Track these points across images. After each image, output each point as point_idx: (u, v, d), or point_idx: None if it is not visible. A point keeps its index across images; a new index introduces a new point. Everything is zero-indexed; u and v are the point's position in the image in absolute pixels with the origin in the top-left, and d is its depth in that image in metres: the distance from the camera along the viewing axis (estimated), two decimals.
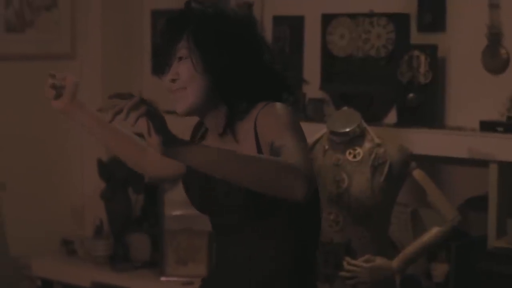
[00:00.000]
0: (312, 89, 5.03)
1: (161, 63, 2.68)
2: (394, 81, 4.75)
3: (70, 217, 5.96)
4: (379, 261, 3.99)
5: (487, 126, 4.44)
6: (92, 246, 5.53)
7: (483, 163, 4.41)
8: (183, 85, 2.62)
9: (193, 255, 5.08)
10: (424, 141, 4.48)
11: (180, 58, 2.63)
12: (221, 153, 2.36)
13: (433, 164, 4.53)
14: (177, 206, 5.12)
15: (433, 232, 4.11)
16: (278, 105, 2.57)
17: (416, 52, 4.70)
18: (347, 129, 4.05)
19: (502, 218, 4.39)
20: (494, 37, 4.59)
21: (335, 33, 4.95)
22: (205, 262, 5.11)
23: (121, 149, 3.01)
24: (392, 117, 4.83)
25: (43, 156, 5.81)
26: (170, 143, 2.33)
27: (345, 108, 4.18)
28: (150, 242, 5.39)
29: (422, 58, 4.67)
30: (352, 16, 4.93)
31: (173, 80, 2.63)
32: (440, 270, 4.50)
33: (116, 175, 5.49)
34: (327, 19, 4.98)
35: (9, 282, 5.62)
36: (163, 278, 5.17)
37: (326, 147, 4.09)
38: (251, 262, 2.65)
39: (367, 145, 4.06)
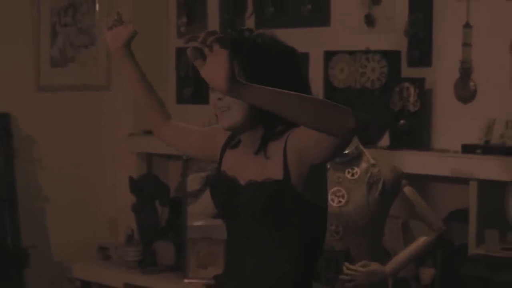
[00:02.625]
0: None
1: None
2: (387, 109, 4.75)
3: (106, 227, 5.98)
4: (374, 266, 3.97)
5: (468, 149, 4.43)
6: (124, 252, 5.52)
7: (464, 181, 4.41)
8: (227, 104, 2.55)
9: (211, 260, 5.07)
10: (413, 162, 4.48)
11: None
12: (276, 91, 2.27)
13: (421, 182, 4.50)
14: (198, 217, 5.13)
15: (421, 241, 4.10)
16: None
17: (406, 84, 4.70)
18: (346, 151, 4.02)
19: (481, 229, 4.39)
20: (465, 71, 4.59)
21: (336, 68, 4.95)
22: (222, 266, 5.08)
23: (147, 106, 2.96)
24: (385, 140, 4.82)
25: (82, 174, 5.83)
26: (233, 80, 2.21)
27: None
28: (174, 249, 5.37)
29: (412, 89, 4.67)
30: (351, 53, 4.93)
31: (220, 99, 2.57)
32: (427, 274, 4.49)
33: (145, 190, 5.50)
34: (329, 56, 4.99)
35: (53, 283, 5.66)
36: (185, 280, 5.16)
37: (328, 166, 4.06)
38: (261, 270, 2.59)
39: (363, 165, 4.04)
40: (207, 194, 5.01)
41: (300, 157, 2.48)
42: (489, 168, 4.26)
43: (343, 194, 3.99)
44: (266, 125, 2.58)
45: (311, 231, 2.59)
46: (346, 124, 2.27)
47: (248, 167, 2.61)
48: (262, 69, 2.51)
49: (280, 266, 2.57)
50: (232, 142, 2.74)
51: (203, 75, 2.25)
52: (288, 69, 2.56)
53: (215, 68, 2.22)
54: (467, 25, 4.59)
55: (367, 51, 4.89)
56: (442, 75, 4.74)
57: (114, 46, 2.92)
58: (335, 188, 3.99)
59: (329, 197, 3.97)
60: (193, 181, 5.18)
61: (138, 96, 2.97)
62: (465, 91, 4.62)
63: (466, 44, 4.60)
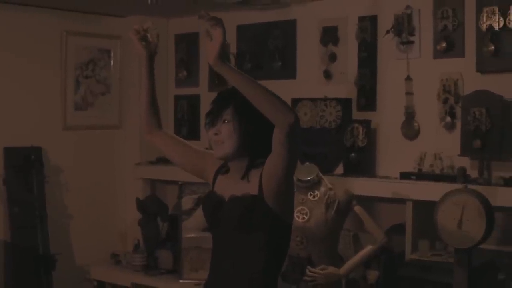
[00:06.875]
0: None
1: (210, 121, 2.65)
2: (341, 145, 4.75)
3: (117, 238, 5.94)
4: (331, 269, 3.96)
5: (405, 176, 4.44)
6: (132, 258, 5.50)
7: (401, 201, 4.42)
8: (221, 140, 2.60)
9: (202, 265, 5.04)
10: (362, 186, 4.48)
11: (224, 121, 2.60)
12: (246, 77, 2.40)
13: (368, 202, 4.51)
14: (190, 231, 5.11)
15: (368, 249, 4.09)
16: None
17: (356, 125, 4.71)
18: (309, 178, 4.03)
19: (415, 239, 4.39)
20: (409, 115, 4.62)
21: (301, 111, 4.95)
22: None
23: (145, 111, 2.87)
24: (340, 169, 4.82)
25: (99, 196, 5.82)
26: (222, 58, 2.37)
27: (307, 163, 4.16)
28: (172, 255, 5.35)
29: (360, 129, 4.68)
30: (312, 100, 4.94)
31: (216, 134, 2.61)
32: (372, 275, 4.49)
33: (149, 209, 5.48)
34: (295, 102, 4.99)
35: (75, 283, 5.61)
36: (181, 281, 5.14)
37: (294, 190, 4.07)
38: (236, 270, 2.59)
39: (322, 189, 4.04)
40: (198, 212, 5.02)
41: (269, 173, 2.51)
42: (421, 191, 4.28)
43: (306, 212, 3.99)
44: (251, 157, 2.61)
45: (277, 240, 2.59)
46: (288, 116, 2.36)
47: (233, 187, 2.63)
48: (252, 113, 2.50)
49: (251, 267, 2.57)
50: (223, 169, 2.75)
51: (206, 50, 2.39)
52: None
53: (212, 48, 2.37)
54: (408, 78, 4.62)
55: (325, 99, 4.89)
56: (384, 118, 4.75)
57: (140, 48, 2.81)
58: (299, 207, 3.99)
59: (295, 215, 3.97)
60: (187, 202, 5.17)
61: (142, 100, 2.88)
62: (410, 130, 4.64)
63: (409, 93, 4.63)
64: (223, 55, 2.38)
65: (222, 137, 2.61)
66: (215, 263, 2.69)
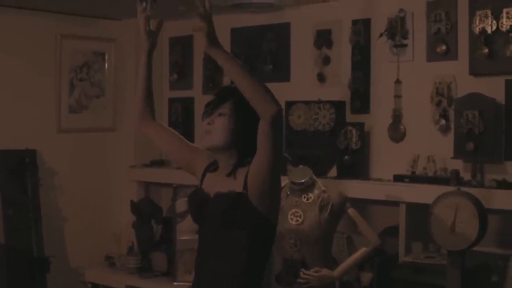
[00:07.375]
0: None
1: (207, 111, 2.68)
2: (335, 147, 4.74)
3: (111, 240, 5.94)
4: (325, 271, 3.96)
5: (398, 178, 4.44)
6: (126, 260, 5.49)
7: (395, 203, 4.41)
8: (212, 130, 2.63)
9: None
10: (355, 188, 4.48)
11: (220, 114, 2.64)
12: (237, 63, 2.47)
13: (362, 204, 4.50)
14: (184, 233, 5.10)
15: (362, 251, 4.08)
16: None
17: (350, 127, 4.70)
18: (303, 180, 4.03)
19: (408, 242, 4.38)
20: (396, 117, 4.62)
21: (295, 114, 4.95)
22: None
23: (140, 100, 2.87)
24: (333, 172, 4.81)
25: (93, 198, 5.82)
26: (210, 44, 2.46)
27: (301, 165, 4.16)
28: (166, 258, 5.34)
29: (354, 131, 4.68)
30: (306, 103, 4.94)
31: (208, 124, 2.64)
32: (366, 277, 4.48)
33: (143, 211, 5.47)
34: (289, 105, 4.99)
35: (69, 285, 5.61)
36: (175, 283, 5.12)
37: (288, 192, 4.07)
38: (219, 268, 2.59)
39: (316, 191, 4.04)
40: None
41: (255, 172, 2.52)
42: (415, 194, 4.27)
43: (300, 215, 3.98)
44: (240, 155, 2.63)
45: (261, 239, 2.60)
46: (272, 106, 2.41)
47: (220, 185, 2.64)
48: (249, 109, 2.52)
49: (234, 265, 2.57)
50: (212, 167, 2.76)
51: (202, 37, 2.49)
52: None
53: (202, 35, 2.45)
54: (398, 81, 4.63)
55: (319, 101, 4.89)
56: (377, 120, 4.75)
57: (142, 25, 2.91)
58: (293, 210, 3.98)
59: (289, 217, 3.97)
60: (181, 205, 5.16)
61: (138, 87, 2.88)
62: (396, 133, 4.65)
63: (397, 96, 4.64)
64: (212, 38, 2.44)
65: (212, 128, 2.64)
66: (200, 261, 2.70)
